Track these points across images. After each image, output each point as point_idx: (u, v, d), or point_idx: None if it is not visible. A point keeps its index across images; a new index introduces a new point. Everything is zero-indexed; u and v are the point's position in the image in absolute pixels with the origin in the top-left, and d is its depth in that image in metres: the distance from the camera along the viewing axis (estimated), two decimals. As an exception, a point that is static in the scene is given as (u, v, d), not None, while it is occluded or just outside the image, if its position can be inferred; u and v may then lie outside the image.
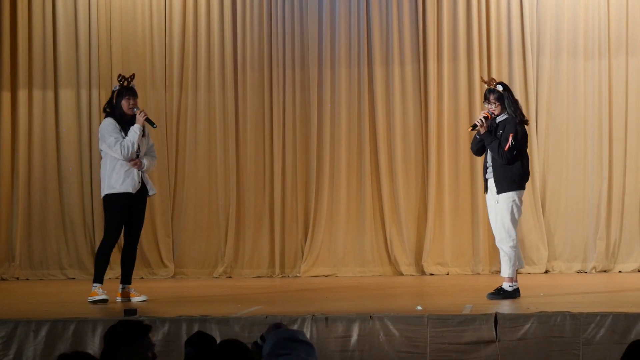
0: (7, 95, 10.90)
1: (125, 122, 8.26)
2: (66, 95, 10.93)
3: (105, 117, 8.34)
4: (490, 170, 8.19)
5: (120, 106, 8.27)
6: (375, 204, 10.77)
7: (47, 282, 10.66)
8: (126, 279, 8.41)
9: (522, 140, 8.14)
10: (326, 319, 6.79)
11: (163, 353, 6.69)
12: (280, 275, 10.74)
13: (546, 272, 10.54)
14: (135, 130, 8.20)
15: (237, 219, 10.81)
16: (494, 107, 8.19)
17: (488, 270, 10.54)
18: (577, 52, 10.63)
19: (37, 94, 10.94)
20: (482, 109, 8.49)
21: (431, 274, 10.56)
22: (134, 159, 8.21)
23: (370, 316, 6.78)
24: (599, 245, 10.49)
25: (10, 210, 10.93)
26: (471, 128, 8.30)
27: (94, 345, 6.77)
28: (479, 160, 9.02)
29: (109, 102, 8.40)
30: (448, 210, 10.68)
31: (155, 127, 8.46)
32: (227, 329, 6.77)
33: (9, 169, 10.94)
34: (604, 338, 6.64)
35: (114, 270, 9.69)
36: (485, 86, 8.32)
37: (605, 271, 10.49)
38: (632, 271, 10.47)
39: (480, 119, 8.16)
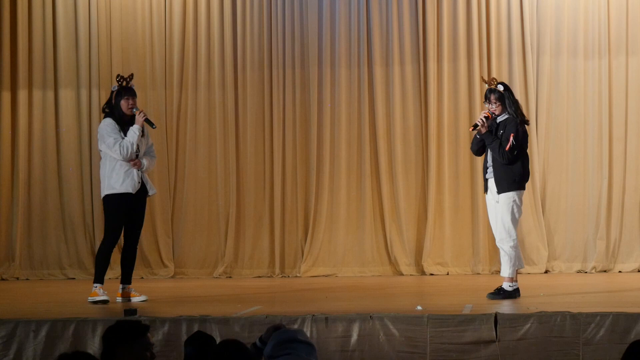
0: (7, 95, 10.90)
1: (124, 122, 8.26)
2: (66, 95, 10.93)
3: (104, 117, 8.34)
4: (490, 170, 8.19)
5: (120, 106, 8.27)
6: (375, 204, 10.77)
7: (47, 282, 10.66)
8: (126, 279, 8.41)
9: (522, 140, 8.14)
10: (326, 319, 6.79)
11: (163, 353, 6.70)
12: (280, 275, 10.74)
13: (546, 272, 10.54)
14: (134, 131, 8.20)
15: (237, 219, 10.81)
16: (495, 107, 8.19)
17: (488, 270, 10.54)
18: (577, 52, 10.63)
19: (37, 94, 10.94)
20: (482, 109, 8.49)
21: (431, 274, 10.56)
22: (134, 159, 8.21)
23: (370, 316, 6.78)
24: (599, 245, 10.49)
25: (10, 210, 10.93)
26: (472, 128, 8.30)
27: (94, 345, 6.77)
28: (479, 160, 9.02)
29: (108, 102, 8.40)
30: (448, 210, 10.68)
31: (155, 127, 8.46)
32: (227, 329, 6.77)
33: (9, 169, 10.94)
34: (604, 338, 6.64)
35: (114, 270, 9.70)
36: (486, 86, 8.32)
37: (605, 271, 10.49)
38: (632, 271, 10.47)
39: (481, 119, 8.16)
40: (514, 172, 8.10)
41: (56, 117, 10.94)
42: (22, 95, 10.91)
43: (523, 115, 8.29)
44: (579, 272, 10.53)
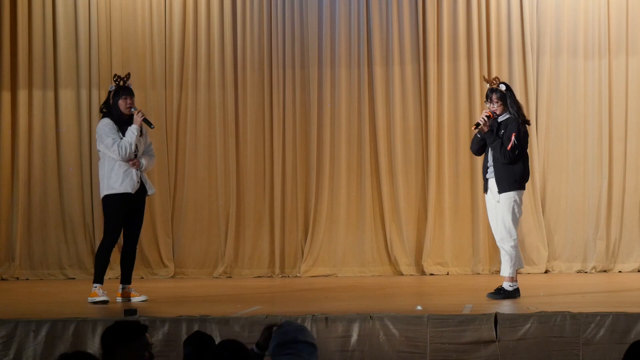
0: (7, 95, 10.90)
1: (122, 122, 8.25)
2: (66, 95, 10.93)
3: (102, 117, 8.33)
4: (491, 170, 8.19)
5: (118, 106, 8.26)
6: (375, 204, 10.77)
7: (47, 282, 10.66)
8: (126, 279, 8.41)
9: (523, 140, 8.15)
10: (326, 319, 6.79)
11: (163, 353, 6.70)
12: (280, 275, 10.74)
13: (546, 272, 10.54)
14: (132, 131, 8.19)
15: (237, 219, 10.81)
16: (496, 107, 8.20)
17: (488, 270, 10.54)
18: (577, 52, 10.63)
19: (37, 94, 10.94)
20: (483, 108, 8.49)
21: (431, 274, 10.56)
22: (132, 159, 8.21)
23: (370, 316, 6.78)
24: (599, 245, 10.49)
25: (10, 210, 10.93)
26: (474, 127, 8.30)
27: (94, 345, 6.76)
28: (479, 160, 9.02)
29: (106, 102, 8.39)
30: (448, 210, 10.68)
31: (153, 127, 8.46)
32: (227, 329, 6.77)
33: (9, 169, 10.94)
34: (604, 338, 6.64)
35: (114, 270, 9.70)
36: (487, 85, 8.33)
37: (605, 271, 10.49)
38: (632, 271, 10.47)
39: (483, 118, 8.16)
40: (514, 171, 8.10)
41: (56, 117, 10.94)
42: (22, 95, 10.91)
43: (524, 116, 8.30)
44: (579, 272, 10.53)
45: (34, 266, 10.87)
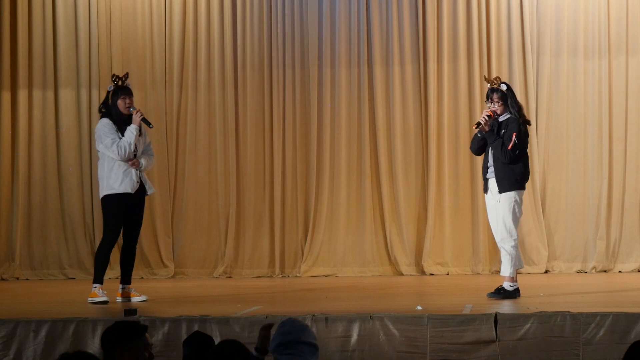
0: (7, 95, 10.90)
1: (121, 122, 8.25)
2: (66, 95, 10.93)
3: (101, 117, 8.33)
4: (491, 170, 8.19)
5: (117, 106, 8.26)
6: (375, 204, 10.77)
7: (47, 282, 10.66)
8: (126, 279, 8.41)
9: (524, 139, 8.15)
10: (326, 319, 6.79)
11: (163, 353, 6.70)
12: (280, 275, 10.74)
13: (546, 272, 10.54)
14: (131, 131, 8.19)
15: (237, 219, 10.81)
16: (497, 107, 8.20)
17: (488, 270, 10.54)
18: (577, 52, 10.63)
19: (37, 94, 10.94)
20: (483, 108, 8.49)
21: (431, 274, 10.56)
22: (132, 159, 8.21)
23: (370, 316, 6.78)
24: (599, 245, 10.49)
25: (10, 210, 10.93)
26: (475, 126, 8.30)
27: (94, 345, 6.77)
28: (479, 160, 9.03)
29: (104, 102, 8.39)
30: (448, 210, 10.68)
31: (152, 127, 8.46)
32: (227, 329, 6.78)
33: (9, 169, 10.94)
34: (604, 338, 6.64)
35: (114, 270, 9.70)
36: (487, 85, 8.33)
37: (605, 271, 10.49)
38: (632, 271, 10.47)
39: (484, 117, 8.16)
40: (515, 171, 8.11)
41: (56, 117, 10.94)
42: (22, 95, 10.91)
43: (525, 116, 8.31)
44: (579, 272, 10.52)
45: (34, 266, 10.87)
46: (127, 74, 8.43)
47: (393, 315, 6.79)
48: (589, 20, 10.61)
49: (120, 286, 8.40)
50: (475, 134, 8.34)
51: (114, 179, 8.18)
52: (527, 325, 6.69)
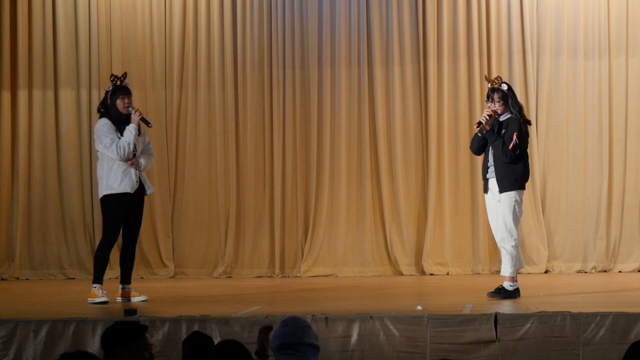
0: (7, 95, 10.90)
1: (120, 122, 8.25)
2: (66, 95, 10.93)
3: (100, 117, 8.33)
4: (491, 170, 8.19)
5: (115, 106, 8.26)
6: (375, 204, 10.77)
7: (47, 282, 10.66)
8: (126, 279, 8.41)
9: (524, 139, 8.15)
10: (326, 319, 6.79)
11: (163, 353, 6.70)
12: (280, 275, 10.74)
13: (546, 272, 10.54)
14: (130, 130, 8.18)
15: (237, 219, 10.81)
16: (498, 106, 8.20)
17: (488, 270, 10.54)
18: (577, 52, 10.63)
19: (37, 94, 10.94)
20: (483, 108, 8.48)
21: (431, 274, 10.56)
22: (131, 159, 8.21)
23: (370, 316, 6.78)
24: (599, 245, 10.49)
25: (10, 210, 10.93)
26: (476, 125, 8.30)
27: (94, 345, 6.77)
28: (479, 160, 9.03)
29: (103, 102, 8.39)
30: (448, 210, 10.68)
31: (151, 126, 8.46)
32: (227, 329, 6.78)
33: (9, 169, 10.95)
34: (604, 338, 6.64)
35: (114, 270, 9.70)
36: (488, 85, 8.33)
37: (605, 271, 10.49)
38: (632, 271, 10.47)
39: (485, 117, 8.16)
40: (515, 171, 8.11)
41: (56, 117, 10.94)
42: (22, 95, 10.91)
43: (525, 117, 8.32)
44: (579, 272, 10.52)
45: (34, 266, 10.87)
46: (125, 73, 8.43)
47: (393, 315, 6.79)
48: (589, 20, 10.61)
49: (120, 286, 8.40)
50: (476, 134, 8.33)
51: (113, 178, 8.17)
52: (527, 325, 6.70)
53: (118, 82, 8.30)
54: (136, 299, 8.33)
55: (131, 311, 7.18)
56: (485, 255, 10.57)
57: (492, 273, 10.38)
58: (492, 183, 8.19)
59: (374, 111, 10.78)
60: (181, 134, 10.93)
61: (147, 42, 10.92)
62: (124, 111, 8.26)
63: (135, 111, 8.25)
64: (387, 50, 10.78)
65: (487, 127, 8.15)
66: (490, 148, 8.20)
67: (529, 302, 7.67)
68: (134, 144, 8.21)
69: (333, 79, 10.81)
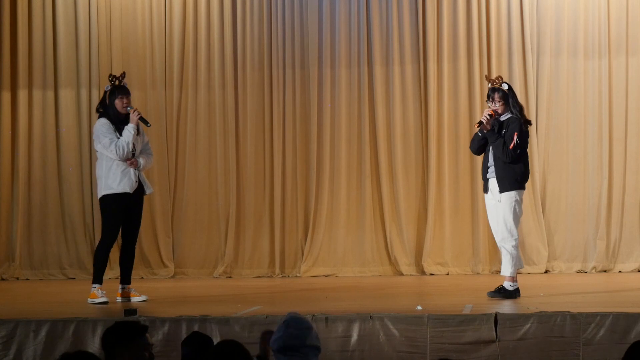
0: (7, 95, 10.90)
1: (119, 122, 8.25)
2: (66, 95, 10.93)
3: (99, 117, 8.33)
4: (491, 169, 8.19)
5: (114, 106, 8.26)
6: (375, 204, 10.77)
7: (47, 282, 10.66)
8: (126, 279, 8.41)
9: (524, 139, 8.15)
10: (326, 319, 6.79)
11: (163, 353, 6.70)
12: (280, 275, 10.74)
13: (546, 272, 10.54)
14: (129, 130, 8.18)
15: (237, 219, 10.81)
16: (498, 106, 8.20)
17: (488, 270, 10.54)
18: (577, 52, 10.63)
19: (37, 94, 10.94)
20: (483, 108, 8.48)
21: (431, 274, 10.56)
22: (130, 159, 8.21)
23: (370, 316, 6.78)
24: (599, 245, 10.49)
25: (10, 210, 10.92)
26: (477, 124, 8.30)
27: (94, 345, 6.77)
28: (479, 160, 9.02)
29: (102, 102, 8.39)
30: (448, 210, 10.67)
31: (149, 125, 8.45)
32: (227, 329, 6.78)
33: (9, 169, 10.94)
34: (604, 338, 6.64)
35: (114, 270, 9.69)
36: (488, 85, 8.33)
37: (605, 271, 10.49)
38: (632, 271, 10.47)
39: (486, 117, 8.16)
40: (516, 171, 8.11)
41: (56, 117, 10.94)
42: (22, 95, 10.91)
43: (525, 117, 8.32)
44: (579, 272, 10.52)
45: (34, 266, 10.87)
46: (123, 73, 8.43)
47: (393, 315, 6.79)
48: (589, 20, 10.60)
49: (120, 286, 8.40)
50: (476, 133, 8.33)
51: (113, 178, 8.17)
52: (527, 325, 6.70)
53: (117, 82, 8.31)
54: (136, 299, 8.32)
55: (131, 311, 7.18)
56: (485, 255, 10.57)
57: (492, 273, 10.38)
58: (492, 183, 8.19)
59: (374, 111, 10.78)
60: (181, 134, 10.93)
61: (147, 42, 10.92)
62: (122, 111, 8.26)
63: (134, 111, 8.25)
64: (387, 50, 10.78)
65: (488, 127, 8.15)
66: (491, 148, 8.20)
67: (529, 302, 7.67)
68: (133, 144, 8.20)
69: (333, 79, 10.81)
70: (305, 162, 10.85)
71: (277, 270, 10.75)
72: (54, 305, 8.48)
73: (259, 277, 10.71)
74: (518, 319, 6.74)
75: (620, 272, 10.47)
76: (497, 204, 8.15)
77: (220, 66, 10.86)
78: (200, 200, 10.87)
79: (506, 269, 8.16)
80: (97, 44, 10.86)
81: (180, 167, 10.93)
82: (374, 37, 10.76)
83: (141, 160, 8.26)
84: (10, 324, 6.96)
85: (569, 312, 6.76)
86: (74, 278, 10.74)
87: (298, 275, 10.68)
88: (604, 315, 6.70)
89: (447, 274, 10.58)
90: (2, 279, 10.76)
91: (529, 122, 8.34)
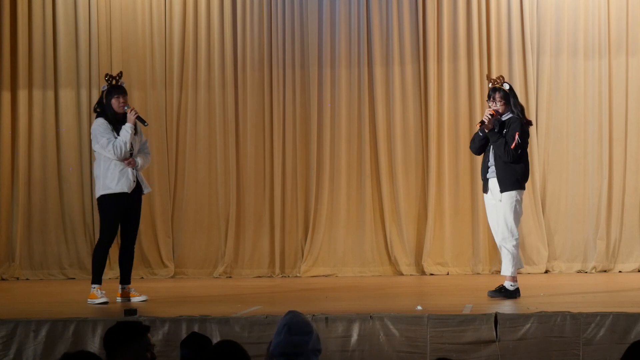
0: (7, 95, 10.90)
1: (116, 121, 8.24)
2: (66, 95, 10.93)
3: (96, 117, 8.32)
4: (492, 169, 8.19)
5: (111, 105, 8.25)
6: (375, 204, 10.77)
7: (47, 282, 10.66)
8: (125, 279, 8.40)
9: (525, 139, 8.16)
10: (326, 319, 6.79)
11: (163, 353, 6.69)
12: (280, 275, 10.74)
13: (546, 272, 10.54)
14: (126, 130, 8.18)
15: (237, 219, 10.81)
16: (499, 106, 8.20)
17: (488, 270, 10.54)
18: (577, 52, 10.63)
19: (37, 94, 10.94)
20: (483, 108, 8.48)
21: (431, 274, 10.56)
22: (128, 158, 8.20)
23: (370, 316, 6.78)
24: (599, 245, 10.49)
25: (10, 210, 10.92)
26: (479, 124, 8.30)
27: (94, 345, 6.77)
28: (479, 160, 9.02)
29: (99, 102, 8.39)
30: (448, 210, 10.68)
31: (147, 125, 8.44)
32: (227, 329, 6.78)
33: (9, 169, 10.94)
34: (604, 338, 6.64)
35: (113, 270, 9.69)
36: (489, 85, 8.33)
37: (605, 271, 10.49)
38: (632, 271, 10.47)
39: (487, 116, 8.16)
40: (516, 171, 8.11)
41: (56, 117, 10.94)
42: (22, 95, 10.91)
43: (526, 117, 8.33)
44: (579, 272, 10.52)
45: (34, 266, 10.87)
46: (120, 72, 8.42)
47: (393, 315, 6.79)
48: (589, 20, 10.61)
49: (120, 286, 8.39)
50: (477, 133, 8.33)
51: (110, 178, 8.17)
52: (527, 325, 6.70)
53: (113, 82, 8.30)
54: (136, 299, 8.32)
55: (131, 311, 7.18)
56: (485, 255, 10.57)
57: (492, 273, 10.38)
58: (493, 183, 8.19)
59: (374, 111, 10.78)
60: (181, 134, 10.93)
61: (147, 42, 10.92)
62: (119, 110, 8.25)
63: (131, 110, 8.25)
64: (387, 50, 10.78)
65: (490, 126, 8.16)
66: (491, 148, 8.20)
67: (529, 302, 7.67)
68: (131, 143, 8.20)
69: (333, 79, 10.81)
70: (305, 162, 10.85)
71: (277, 270, 10.75)
72: (54, 305, 8.48)
73: (259, 277, 10.71)
74: (518, 319, 6.74)
75: (620, 272, 10.47)
76: (497, 204, 8.15)
77: (220, 66, 10.87)
78: (200, 200, 10.88)
79: (507, 269, 8.16)
80: (97, 44, 10.87)
81: (180, 167, 10.93)
82: (374, 37, 10.76)
83: (139, 160, 8.26)
84: (10, 324, 6.96)
85: (569, 312, 6.76)
86: (74, 278, 10.74)
87: (298, 275, 10.68)
88: (604, 315, 6.70)
89: (447, 274, 10.58)
90: (2, 279, 10.76)
91: (530, 123, 8.34)
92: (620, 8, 10.58)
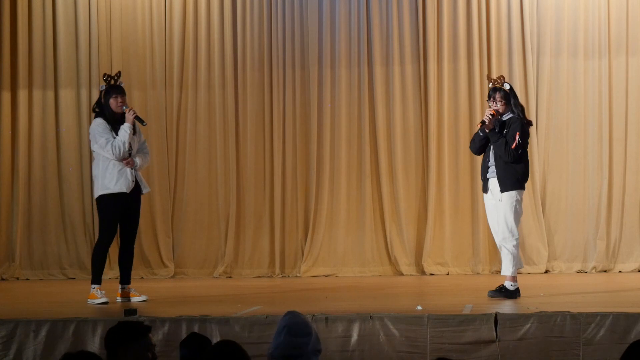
0: (7, 95, 10.90)
1: (115, 121, 8.23)
2: (66, 95, 10.93)
3: (95, 117, 8.32)
4: (492, 169, 8.19)
5: (109, 105, 8.25)
6: (375, 204, 10.77)
7: (47, 282, 10.66)
8: (125, 279, 8.40)
9: (525, 139, 8.16)
10: (326, 319, 6.79)
11: (163, 353, 6.69)
12: (280, 275, 10.74)
13: (546, 272, 10.54)
14: (125, 130, 8.17)
15: (237, 219, 10.81)
16: (499, 106, 8.20)
17: (488, 270, 10.54)
18: (577, 52, 10.63)
19: (37, 94, 10.94)
20: (483, 108, 8.48)
21: (431, 274, 10.56)
22: (126, 158, 8.20)
23: (370, 316, 6.78)
24: (599, 245, 10.49)
25: (10, 210, 10.93)
26: (480, 124, 8.29)
27: (94, 345, 6.77)
28: (479, 160, 9.02)
29: (98, 102, 8.39)
30: (448, 210, 10.68)
31: (145, 124, 8.44)
32: (227, 329, 6.78)
33: (9, 169, 10.95)
34: (604, 338, 6.64)
35: (113, 270, 9.69)
36: (489, 85, 8.33)
37: (605, 271, 10.49)
38: (632, 271, 10.47)
39: (488, 116, 8.16)
40: (517, 171, 8.11)
41: (56, 117, 10.94)
42: (22, 95, 10.91)
43: (526, 118, 8.33)
44: (579, 272, 10.52)
45: (34, 266, 10.87)
46: (119, 72, 8.42)
47: (393, 315, 6.79)
48: (589, 20, 10.61)
49: (120, 286, 8.39)
50: (477, 133, 8.33)
51: (109, 178, 8.16)
52: (527, 325, 6.69)
53: (111, 82, 8.30)
54: (136, 299, 8.32)
55: (131, 311, 7.18)
56: (485, 255, 10.57)
57: (492, 273, 10.38)
58: (493, 183, 8.19)
59: (374, 111, 10.78)
60: (181, 134, 10.93)
61: (147, 42, 10.92)
62: (117, 110, 8.24)
63: (130, 110, 8.24)
64: (387, 50, 10.78)
65: (490, 126, 8.16)
66: (491, 148, 8.20)
67: (529, 302, 7.67)
68: (130, 143, 8.19)
69: (333, 79, 10.81)
70: (305, 162, 10.85)
71: (277, 270, 10.75)
72: (54, 305, 8.48)
73: (259, 277, 10.72)
74: (518, 319, 6.74)
75: (620, 272, 10.48)
76: (498, 204, 8.15)
77: (220, 66, 10.87)
78: (200, 200, 10.88)
79: (507, 269, 8.16)
80: (97, 44, 10.87)
81: (180, 167, 10.94)
82: (374, 37, 10.76)
83: (137, 160, 8.25)
84: (10, 324, 6.96)
85: (569, 312, 6.76)
86: (74, 278, 10.74)
87: (298, 275, 10.69)
88: (604, 315, 6.70)
89: (447, 274, 10.58)
90: (2, 279, 10.77)
91: (530, 123, 8.34)
92: (620, 8, 10.58)
